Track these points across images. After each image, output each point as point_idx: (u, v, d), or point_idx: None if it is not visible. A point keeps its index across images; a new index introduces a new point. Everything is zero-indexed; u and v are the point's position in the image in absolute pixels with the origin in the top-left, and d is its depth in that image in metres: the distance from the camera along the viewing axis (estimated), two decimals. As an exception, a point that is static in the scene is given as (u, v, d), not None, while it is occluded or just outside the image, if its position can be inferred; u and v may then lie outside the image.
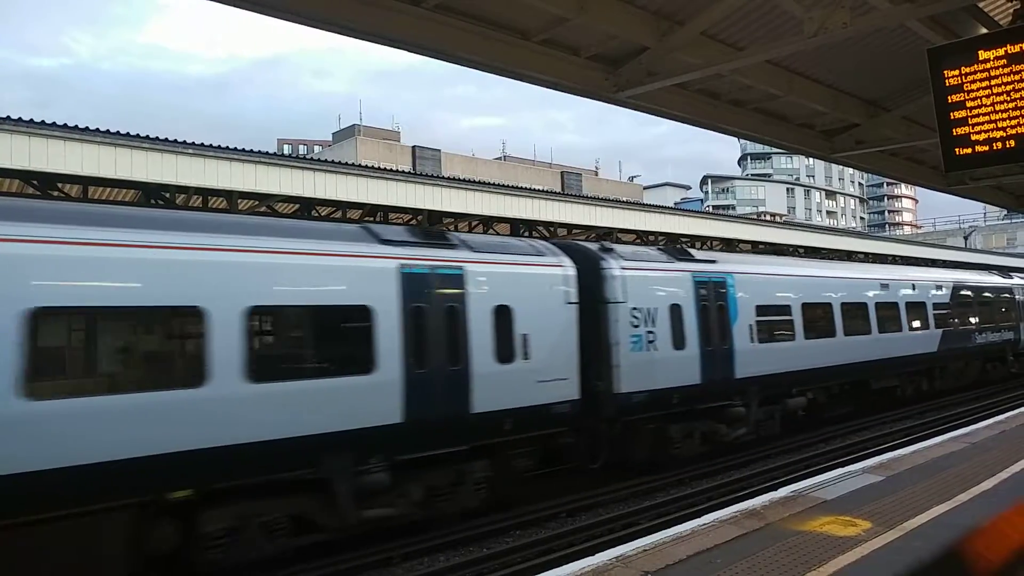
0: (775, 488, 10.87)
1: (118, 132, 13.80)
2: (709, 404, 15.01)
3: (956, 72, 7.25)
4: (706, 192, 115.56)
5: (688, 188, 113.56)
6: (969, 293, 26.06)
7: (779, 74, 10.56)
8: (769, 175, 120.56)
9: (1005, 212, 60.01)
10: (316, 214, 18.43)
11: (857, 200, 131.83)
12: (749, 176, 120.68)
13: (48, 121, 13.07)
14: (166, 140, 14.22)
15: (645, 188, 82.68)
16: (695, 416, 14.91)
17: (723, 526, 8.13)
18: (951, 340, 23.85)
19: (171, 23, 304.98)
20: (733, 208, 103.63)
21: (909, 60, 9.49)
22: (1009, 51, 6.93)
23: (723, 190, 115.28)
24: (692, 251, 16.80)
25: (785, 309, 17.16)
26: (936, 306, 23.41)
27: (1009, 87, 6.94)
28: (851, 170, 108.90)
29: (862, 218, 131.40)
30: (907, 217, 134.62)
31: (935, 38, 8.32)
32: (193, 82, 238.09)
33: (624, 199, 30.87)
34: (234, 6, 6.83)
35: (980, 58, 7.11)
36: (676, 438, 14.63)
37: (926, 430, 18.46)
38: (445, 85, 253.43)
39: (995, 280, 29.37)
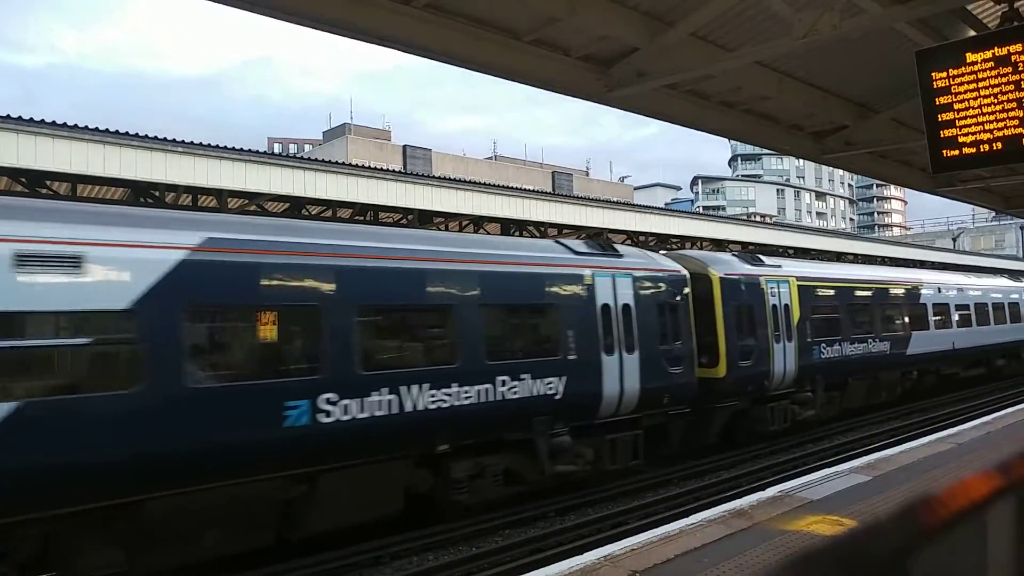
0: (763, 488, 10.91)
1: (107, 130, 13.73)
2: None
3: (944, 74, 7.29)
4: (696, 193, 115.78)
5: (678, 189, 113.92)
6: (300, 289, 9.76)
7: (769, 76, 10.58)
8: (759, 176, 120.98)
9: (993, 214, 60.44)
10: (306, 213, 18.39)
11: (847, 201, 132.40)
12: (739, 177, 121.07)
13: (36, 118, 13.01)
14: (155, 138, 14.16)
15: (636, 189, 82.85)
16: None
17: (711, 526, 8.16)
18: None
19: (158, 21, 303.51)
20: (723, 209, 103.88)
21: (898, 62, 9.51)
22: (996, 53, 6.97)
23: (713, 191, 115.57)
24: None
25: None
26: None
27: (996, 89, 6.99)
28: (841, 171, 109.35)
29: (851, 219, 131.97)
30: (896, 219, 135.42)
31: (924, 40, 8.35)
32: (179, 81, 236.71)
33: (615, 199, 30.92)
34: (223, 4, 6.80)
35: (968, 60, 7.15)
36: None
37: (913, 431, 18.55)
38: (431, 85, 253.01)
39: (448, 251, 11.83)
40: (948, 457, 11.53)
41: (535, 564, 9.02)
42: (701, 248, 27.84)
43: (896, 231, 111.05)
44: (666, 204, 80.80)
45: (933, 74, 7.35)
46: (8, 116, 12.61)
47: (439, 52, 8.26)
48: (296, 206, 17.85)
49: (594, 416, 13.08)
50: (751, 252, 21.57)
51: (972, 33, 8.32)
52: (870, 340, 20.69)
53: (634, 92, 9.51)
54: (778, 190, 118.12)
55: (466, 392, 11.02)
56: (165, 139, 14.29)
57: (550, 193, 30.44)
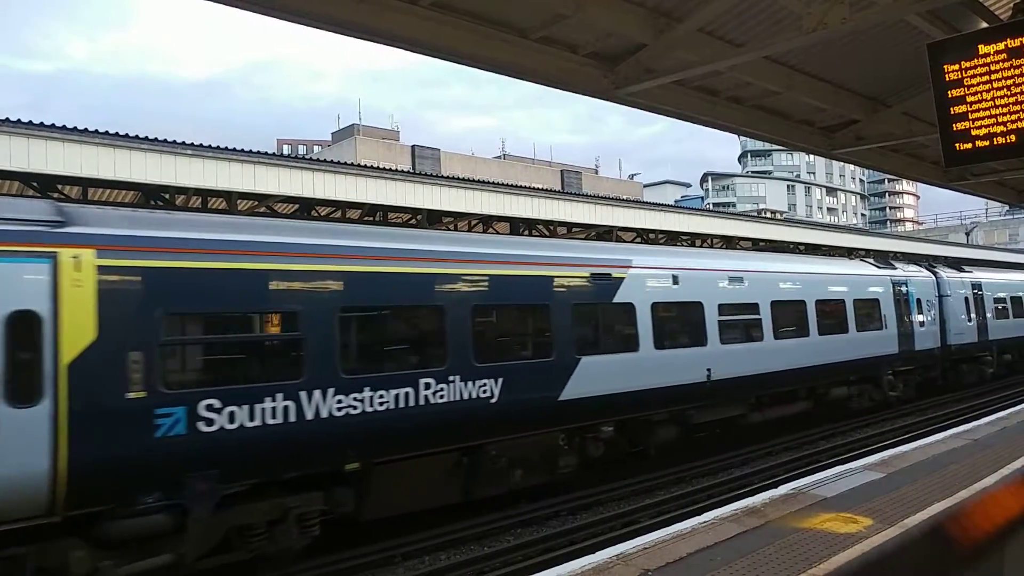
0: (775, 486, 10.87)
1: (117, 133, 13.80)
2: None
3: (956, 67, 7.21)
4: (706, 190, 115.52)
5: (688, 186, 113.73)
6: None
7: (778, 70, 10.51)
8: (769, 172, 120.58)
9: (1007, 208, 59.95)
10: (316, 214, 18.41)
11: (858, 196, 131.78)
12: (749, 173, 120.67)
13: (47, 123, 13.08)
14: (165, 141, 14.21)
15: (645, 186, 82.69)
16: None
17: (723, 524, 8.12)
18: None
19: (163, 25, 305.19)
20: (733, 205, 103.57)
21: (909, 55, 9.45)
22: (1009, 45, 6.89)
23: (723, 187, 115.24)
24: None
25: None
26: None
27: (1009, 82, 6.90)
28: (852, 166, 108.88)
29: (863, 215, 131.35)
30: (908, 213, 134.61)
31: (935, 33, 8.29)
32: (186, 84, 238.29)
33: (624, 197, 30.84)
34: (230, 5, 6.80)
35: (980, 52, 7.07)
36: None
37: (927, 427, 18.42)
38: (437, 85, 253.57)
39: None
40: (963, 454, 11.44)
41: (547, 563, 9.01)
42: (711, 246, 27.71)
43: (909, 226, 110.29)
44: (676, 201, 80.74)
45: (945, 67, 7.27)
46: (19, 121, 12.69)
47: (446, 51, 8.24)
48: (305, 207, 17.88)
49: None
50: None
51: (984, 25, 8.23)
52: (432, 380, 10.29)
53: (642, 89, 9.46)
54: (788, 186, 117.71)
55: None
56: (174, 142, 14.35)
57: (559, 192, 30.39)
